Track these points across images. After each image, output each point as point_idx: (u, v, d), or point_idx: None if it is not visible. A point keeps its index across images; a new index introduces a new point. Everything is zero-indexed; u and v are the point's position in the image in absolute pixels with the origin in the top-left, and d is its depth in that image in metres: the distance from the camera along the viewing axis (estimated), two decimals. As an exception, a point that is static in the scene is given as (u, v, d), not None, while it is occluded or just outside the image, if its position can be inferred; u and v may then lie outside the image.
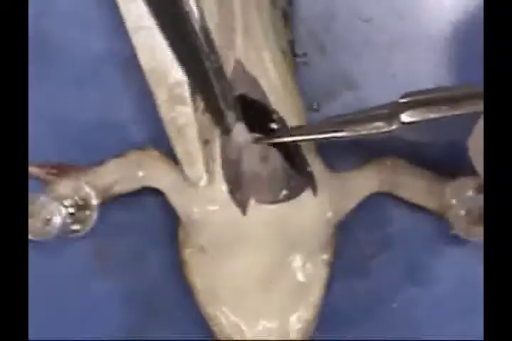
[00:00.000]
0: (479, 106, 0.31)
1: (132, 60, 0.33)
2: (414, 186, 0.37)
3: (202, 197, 0.35)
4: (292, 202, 0.34)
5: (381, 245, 0.38)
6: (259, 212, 0.34)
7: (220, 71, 0.33)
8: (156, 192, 0.36)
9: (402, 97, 0.33)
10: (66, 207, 0.36)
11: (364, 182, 0.37)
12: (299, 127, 0.35)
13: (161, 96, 0.33)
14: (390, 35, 0.38)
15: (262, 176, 0.35)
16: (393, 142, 0.35)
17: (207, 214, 0.34)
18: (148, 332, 0.38)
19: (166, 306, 0.38)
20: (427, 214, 0.37)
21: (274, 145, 0.35)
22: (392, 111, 0.33)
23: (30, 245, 0.33)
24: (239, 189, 0.34)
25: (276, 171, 0.35)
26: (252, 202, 0.34)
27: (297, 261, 0.35)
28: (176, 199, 0.35)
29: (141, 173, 0.36)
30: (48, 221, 0.35)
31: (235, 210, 0.34)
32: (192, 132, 0.34)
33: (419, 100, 0.32)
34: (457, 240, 0.36)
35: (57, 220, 0.35)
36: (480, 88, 0.30)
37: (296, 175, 0.35)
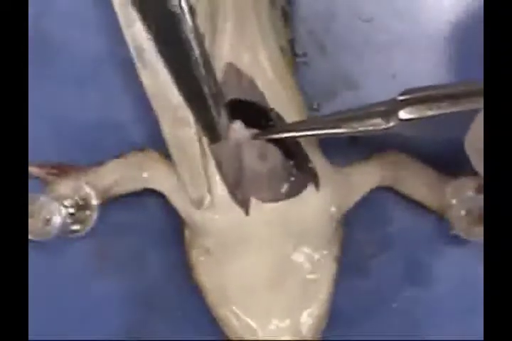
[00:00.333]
0: (478, 103, 0.31)
1: (132, 60, 0.33)
2: (415, 181, 0.37)
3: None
4: (294, 199, 0.34)
5: (381, 245, 0.38)
6: (262, 210, 0.34)
7: (212, 79, 0.33)
8: (156, 192, 0.36)
9: (400, 94, 0.33)
10: (66, 207, 0.36)
11: (366, 176, 0.36)
12: (297, 123, 0.35)
13: (164, 119, 0.34)
14: (390, 35, 0.38)
15: (262, 174, 0.34)
16: (394, 139, 0.35)
17: (210, 216, 0.34)
18: (148, 332, 0.38)
19: (165, 306, 0.38)
20: (427, 214, 0.37)
21: (273, 142, 0.35)
22: (390, 108, 0.33)
23: (30, 245, 0.33)
24: (239, 189, 0.34)
25: (276, 168, 0.35)
26: (254, 201, 0.34)
27: (303, 258, 0.35)
28: (178, 202, 0.35)
29: (141, 175, 0.36)
30: (48, 221, 0.35)
31: (238, 211, 0.34)
32: (196, 154, 0.34)
33: (417, 97, 0.32)
34: (457, 240, 0.36)
35: (57, 220, 0.35)
36: (478, 85, 0.30)
37: (297, 172, 0.35)
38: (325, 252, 0.35)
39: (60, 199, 0.36)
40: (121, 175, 0.36)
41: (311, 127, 0.34)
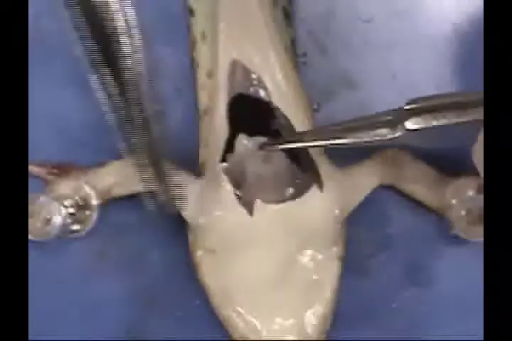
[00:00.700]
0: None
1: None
2: (415, 181, 0.37)
3: (207, 200, 0.35)
4: (299, 200, 0.34)
5: (381, 245, 0.38)
6: (266, 212, 0.34)
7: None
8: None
9: (407, 104, 0.32)
10: (66, 207, 0.36)
11: (368, 176, 0.37)
12: (303, 133, 0.35)
13: None
14: (390, 35, 0.38)
15: (267, 176, 0.35)
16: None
17: (214, 218, 0.34)
18: (148, 332, 0.38)
19: (165, 306, 0.38)
20: (427, 214, 0.37)
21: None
22: (396, 118, 0.32)
23: (30, 245, 0.33)
24: (244, 190, 0.34)
25: (280, 170, 0.35)
26: (258, 202, 0.34)
27: (308, 258, 0.35)
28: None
29: None
30: (48, 221, 0.35)
31: (242, 211, 0.34)
32: None
33: (424, 107, 0.32)
34: (457, 240, 0.36)
35: (57, 220, 0.35)
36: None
37: (301, 173, 0.35)
38: (329, 252, 0.35)
39: (60, 199, 0.36)
40: (121, 177, 0.36)
41: (316, 138, 0.34)
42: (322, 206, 0.35)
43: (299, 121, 0.35)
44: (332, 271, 0.35)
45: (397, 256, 0.38)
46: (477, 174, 0.30)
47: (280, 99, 0.35)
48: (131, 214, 0.38)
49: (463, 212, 0.36)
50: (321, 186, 0.34)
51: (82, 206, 0.36)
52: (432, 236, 0.38)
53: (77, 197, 0.36)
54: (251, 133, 0.35)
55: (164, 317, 0.38)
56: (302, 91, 0.36)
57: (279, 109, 0.35)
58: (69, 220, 0.36)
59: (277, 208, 0.34)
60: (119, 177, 0.36)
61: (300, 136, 0.34)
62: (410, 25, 0.39)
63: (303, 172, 0.35)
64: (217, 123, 0.35)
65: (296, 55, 0.37)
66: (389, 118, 0.33)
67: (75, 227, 0.37)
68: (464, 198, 0.36)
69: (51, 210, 0.35)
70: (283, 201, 0.34)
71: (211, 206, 0.34)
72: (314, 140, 0.34)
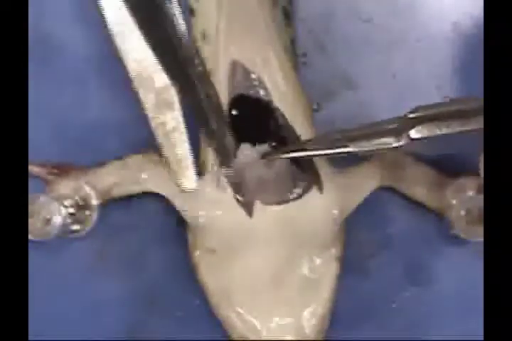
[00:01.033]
0: None
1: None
2: (415, 181, 0.37)
3: (207, 201, 0.35)
4: (298, 201, 0.34)
5: (381, 245, 0.38)
6: (266, 213, 0.34)
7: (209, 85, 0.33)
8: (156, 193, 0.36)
9: (411, 112, 0.32)
10: (66, 207, 0.36)
11: (368, 177, 0.37)
12: (306, 142, 0.34)
13: (148, 102, 0.33)
14: (390, 35, 0.38)
15: (267, 178, 0.35)
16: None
17: (213, 218, 0.34)
18: (148, 332, 0.38)
19: (166, 306, 0.38)
20: (427, 214, 0.37)
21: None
22: (400, 127, 0.32)
23: (30, 245, 0.33)
24: (244, 191, 0.34)
25: (280, 172, 0.35)
26: (258, 203, 0.34)
27: (306, 259, 0.35)
28: (180, 204, 0.35)
29: (141, 178, 0.36)
30: (48, 221, 0.35)
31: (242, 212, 0.34)
32: (181, 137, 0.33)
33: (428, 115, 0.32)
34: (457, 240, 0.36)
35: (57, 220, 0.35)
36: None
37: (301, 174, 0.35)
38: (327, 253, 0.35)
39: (60, 199, 0.36)
40: (121, 177, 0.36)
41: (319, 147, 0.33)
42: (321, 207, 0.35)
43: (299, 121, 0.35)
44: (330, 271, 0.35)
45: (397, 256, 0.38)
46: (477, 174, 0.30)
47: (280, 99, 0.35)
48: (131, 214, 0.38)
49: (463, 212, 0.36)
50: (320, 187, 0.35)
51: (82, 206, 0.36)
52: (432, 236, 0.38)
53: (77, 197, 0.36)
54: (251, 133, 0.35)
55: (164, 317, 0.38)
56: (302, 92, 0.36)
57: (278, 109, 0.35)
58: (69, 220, 0.36)
59: (277, 209, 0.34)
60: (119, 177, 0.36)
61: (303, 145, 0.34)
62: (410, 25, 0.39)
63: (303, 174, 0.35)
64: None
65: (296, 55, 0.37)
66: (392, 126, 0.32)
67: (75, 227, 0.37)
68: (463, 198, 0.36)
69: (51, 210, 0.35)
70: (283, 202, 0.34)
71: (211, 206, 0.35)
72: (317, 149, 0.33)
